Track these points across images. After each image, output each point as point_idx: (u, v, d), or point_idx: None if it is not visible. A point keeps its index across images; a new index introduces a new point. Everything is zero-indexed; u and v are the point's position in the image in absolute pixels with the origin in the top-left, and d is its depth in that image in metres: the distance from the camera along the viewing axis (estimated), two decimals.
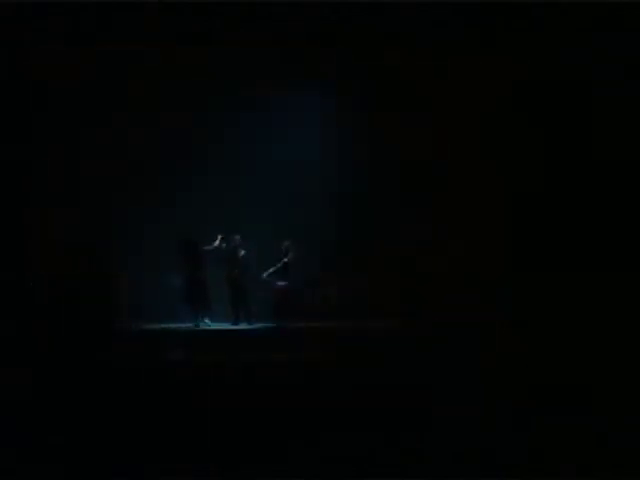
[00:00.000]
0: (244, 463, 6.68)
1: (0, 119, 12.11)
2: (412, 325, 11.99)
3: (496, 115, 12.94)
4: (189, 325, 13.02)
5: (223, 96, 13.91)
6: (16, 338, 10.50)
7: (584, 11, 11.51)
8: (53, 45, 12.20)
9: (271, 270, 13.17)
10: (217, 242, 13.17)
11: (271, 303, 13.25)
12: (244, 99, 13.87)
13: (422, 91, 13.25)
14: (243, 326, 13.06)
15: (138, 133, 13.65)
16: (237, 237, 13.31)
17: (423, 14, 12.19)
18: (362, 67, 13.47)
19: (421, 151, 13.38)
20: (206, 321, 13.12)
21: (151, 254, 13.68)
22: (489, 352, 9.79)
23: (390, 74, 13.37)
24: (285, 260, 13.13)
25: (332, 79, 13.70)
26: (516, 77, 12.61)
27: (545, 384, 8.41)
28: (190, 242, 13.11)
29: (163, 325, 13.09)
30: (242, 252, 13.25)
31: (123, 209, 13.67)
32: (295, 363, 9.84)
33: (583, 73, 12.16)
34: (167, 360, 10.43)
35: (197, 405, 7.93)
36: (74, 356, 10.06)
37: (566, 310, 11.27)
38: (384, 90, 13.52)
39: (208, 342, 11.89)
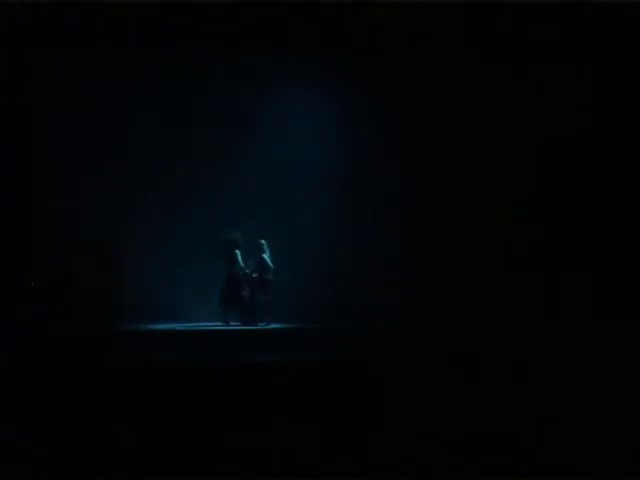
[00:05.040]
0: (243, 463, 6.68)
1: (1, 119, 12.14)
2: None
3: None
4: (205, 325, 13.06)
5: (224, 96, 13.96)
6: (16, 338, 10.53)
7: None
8: (53, 45, 12.21)
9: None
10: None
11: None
12: (244, 99, 13.91)
13: (424, 90, 13.22)
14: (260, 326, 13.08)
15: (138, 132, 13.68)
16: (237, 235, 13.39)
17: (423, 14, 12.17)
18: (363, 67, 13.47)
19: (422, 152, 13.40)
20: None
21: (153, 253, 13.73)
22: None
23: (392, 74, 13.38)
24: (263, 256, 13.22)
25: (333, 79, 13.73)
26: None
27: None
28: (232, 242, 13.21)
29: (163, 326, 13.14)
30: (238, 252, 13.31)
31: (124, 208, 13.71)
32: (295, 363, 9.84)
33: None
34: (165, 360, 10.44)
35: (195, 405, 7.95)
36: (74, 356, 10.09)
37: None
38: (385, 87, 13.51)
39: (209, 342, 11.93)
